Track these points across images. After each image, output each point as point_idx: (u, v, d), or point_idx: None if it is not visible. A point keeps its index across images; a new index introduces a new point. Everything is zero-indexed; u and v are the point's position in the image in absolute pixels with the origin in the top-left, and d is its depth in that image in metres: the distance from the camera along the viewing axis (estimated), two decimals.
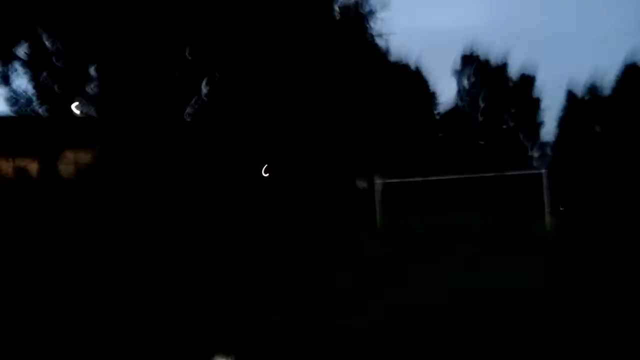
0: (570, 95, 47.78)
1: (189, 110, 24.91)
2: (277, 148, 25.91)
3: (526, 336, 4.73)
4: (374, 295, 6.80)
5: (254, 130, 24.34)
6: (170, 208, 17.63)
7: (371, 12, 30.18)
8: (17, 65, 19.20)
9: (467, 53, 49.84)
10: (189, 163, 22.09)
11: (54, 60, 19.75)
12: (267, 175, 27.96)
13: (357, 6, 29.91)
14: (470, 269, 8.72)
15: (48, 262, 10.60)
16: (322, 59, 26.94)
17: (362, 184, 39.11)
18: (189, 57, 23.41)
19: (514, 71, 49.65)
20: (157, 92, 21.94)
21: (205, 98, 25.35)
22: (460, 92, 49.71)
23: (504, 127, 49.61)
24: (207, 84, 25.44)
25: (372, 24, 30.68)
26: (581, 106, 46.56)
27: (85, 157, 20.11)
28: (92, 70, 21.12)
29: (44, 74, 19.52)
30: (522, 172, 21.90)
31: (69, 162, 19.67)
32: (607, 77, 46.52)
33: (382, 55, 35.92)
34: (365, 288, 7.33)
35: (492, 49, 67.91)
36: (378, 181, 18.22)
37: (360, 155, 31.95)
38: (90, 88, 21.18)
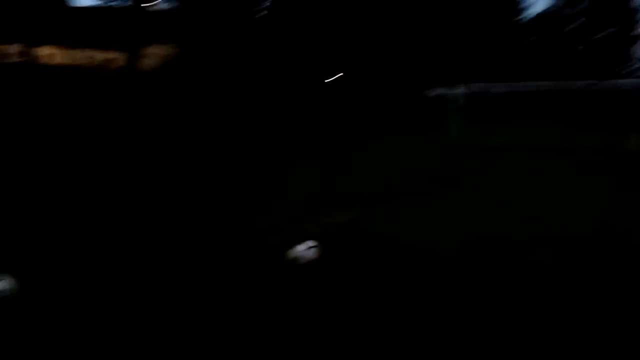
0: None
1: (262, 12, 24.40)
2: (350, 50, 25.03)
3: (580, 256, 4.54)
4: (436, 203, 6.73)
5: (326, 27, 23.53)
6: (245, 109, 17.93)
7: None
8: None
9: None
10: (261, 65, 22.00)
11: None
12: (339, 78, 27.40)
13: None
14: (541, 186, 8.29)
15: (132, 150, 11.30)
16: None
17: (442, 90, 37.38)
18: None
19: None
20: None
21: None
22: None
23: (606, 33, 44.48)
24: None
25: None
26: None
27: (165, 51, 20.57)
28: None
29: None
30: (619, 84, 19.77)
31: (150, 56, 20.24)
32: None
33: None
34: (430, 195, 7.26)
35: None
36: (460, 89, 17.28)
37: (441, 60, 30.20)
38: None
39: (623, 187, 7.93)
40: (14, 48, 17.31)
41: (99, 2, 20.51)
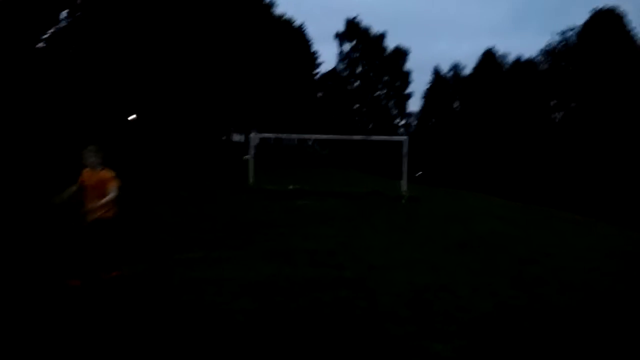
0: (436, 73, 52.00)
1: (43, 38, 22.00)
2: (147, 94, 24.21)
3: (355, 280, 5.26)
4: (230, 250, 6.87)
5: (120, 72, 22.36)
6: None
7: None
8: None
9: (351, 18, 51.09)
10: (38, 96, 19.66)
11: None
12: (133, 121, 26.16)
13: None
14: (327, 230, 9.13)
15: None
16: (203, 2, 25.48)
17: (239, 137, 38.58)
18: None
19: (390, 43, 52.52)
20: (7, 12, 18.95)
21: (63, 28, 22.49)
22: (341, 55, 51.09)
23: (376, 94, 52.37)
24: (68, 13, 22.57)
25: None
26: (444, 83, 51.05)
27: None
28: None
29: None
30: (387, 138, 23.46)
31: None
32: (469, 60, 51.96)
33: (266, 5, 35.05)
34: (224, 242, 7.37)
35: (373, 20, 70.00)
36: (254, 135, 18.10)
37: (238, 109, 31.31)
38: None
39: (395, 227, 9.29)
40: None
41: None
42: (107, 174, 4.84)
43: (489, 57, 46.31)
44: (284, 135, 20.11)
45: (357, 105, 51.69)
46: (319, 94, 48.49)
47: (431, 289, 5.11)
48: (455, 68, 52.02)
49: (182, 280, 5.08)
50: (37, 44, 21.58)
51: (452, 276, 5.70)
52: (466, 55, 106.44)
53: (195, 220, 9.17)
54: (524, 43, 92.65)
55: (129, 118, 25.49)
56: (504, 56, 46.76)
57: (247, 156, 14.35)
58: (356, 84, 52.29)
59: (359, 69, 52.17)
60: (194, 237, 7.50)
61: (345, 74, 51.73)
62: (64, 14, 22.30)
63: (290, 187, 15.04)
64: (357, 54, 52.06)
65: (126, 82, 22.54)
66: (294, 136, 19.39)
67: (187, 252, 6.38)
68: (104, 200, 4.75)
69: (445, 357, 3.48)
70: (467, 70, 49.65)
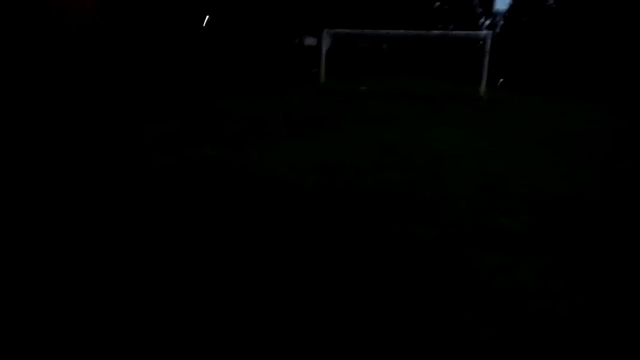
0: None
1: None
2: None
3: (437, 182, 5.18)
4: (299, 140, 6.93)
5: None
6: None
7: None
8: None
9: None
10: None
11: None
12: (206, 26, 26.22)
13: None
14: (398, 123, 8.97)
15: None
16: None
17: (311, 40, 37.75)
18: None
19: None
20: None
21: None
22: None
23: None
24: None
25: None
26: None
27: None
28: None
29: None
30: (468, 33, 21.57)
31: None
32: None
33: None
34: (298, 133, 7.47)
35: None
36: (326, 34, 17.46)
37: (308, 11, 30.34)
38: None
39: (468, 126, 8.93)
40: None
41: None
42: None
43: None
44: (357, 31, 19.07)
45: (438, 4, 48.10)
46: None
47: (503, 175, 4.97)
48: None
49: (255, 161, 5.31)
50: None
51: (528, 164, 5.48)
52: None
53: (267, 114, 9.36)
54: None
55: (204, 21, 25.58)
56: None
57: (314, 70, 14.03)
58: None
59: None
60: (267, 127, 7.70)
61: None
62: None
63: (362, 88, 14.77)
64: None
65: None
66: (368, 32, 18.38)
67: (260, 139, 6.60)
68: None
69: (512, 230, 3.44)
70: None
